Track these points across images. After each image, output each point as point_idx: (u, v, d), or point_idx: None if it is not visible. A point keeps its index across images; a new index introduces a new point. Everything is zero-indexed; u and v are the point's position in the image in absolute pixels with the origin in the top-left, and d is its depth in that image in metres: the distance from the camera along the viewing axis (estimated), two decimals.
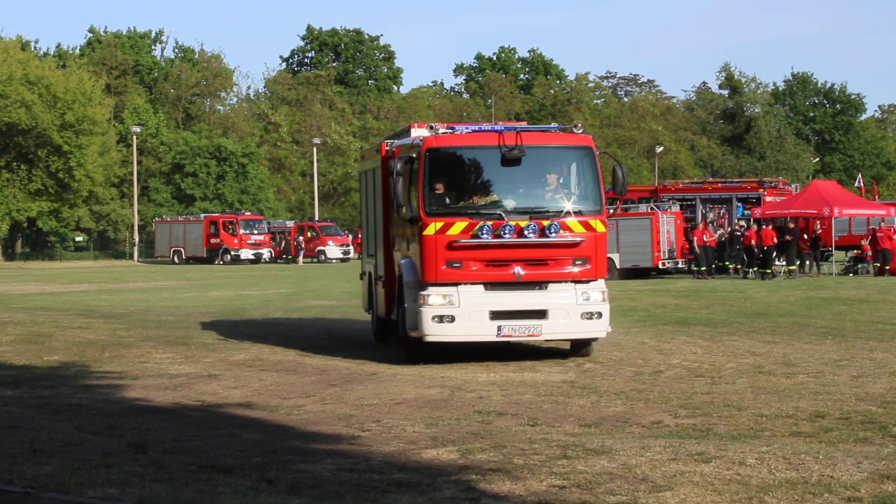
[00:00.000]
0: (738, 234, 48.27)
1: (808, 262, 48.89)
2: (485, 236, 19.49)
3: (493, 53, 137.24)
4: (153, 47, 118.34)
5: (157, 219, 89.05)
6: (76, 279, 55.86)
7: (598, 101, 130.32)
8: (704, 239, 47.92)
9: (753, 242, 46.01)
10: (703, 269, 47.54)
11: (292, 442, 12.57)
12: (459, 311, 19.53)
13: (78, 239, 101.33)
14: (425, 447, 12.04)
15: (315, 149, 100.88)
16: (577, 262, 19.91)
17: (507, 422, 14.10)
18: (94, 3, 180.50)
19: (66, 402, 15.93)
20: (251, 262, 78.91)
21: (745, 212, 50.89)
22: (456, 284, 19.65)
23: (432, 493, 9.86)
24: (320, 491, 9.92)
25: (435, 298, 19.56)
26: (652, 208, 50.59)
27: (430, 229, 19.59)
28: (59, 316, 29.27)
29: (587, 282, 19.99)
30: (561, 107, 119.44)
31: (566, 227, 19.79)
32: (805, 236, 48.13)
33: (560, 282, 19.95)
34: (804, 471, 10.48)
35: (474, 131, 20.73)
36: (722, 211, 52.55)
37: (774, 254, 46.09)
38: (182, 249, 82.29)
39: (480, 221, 19.56)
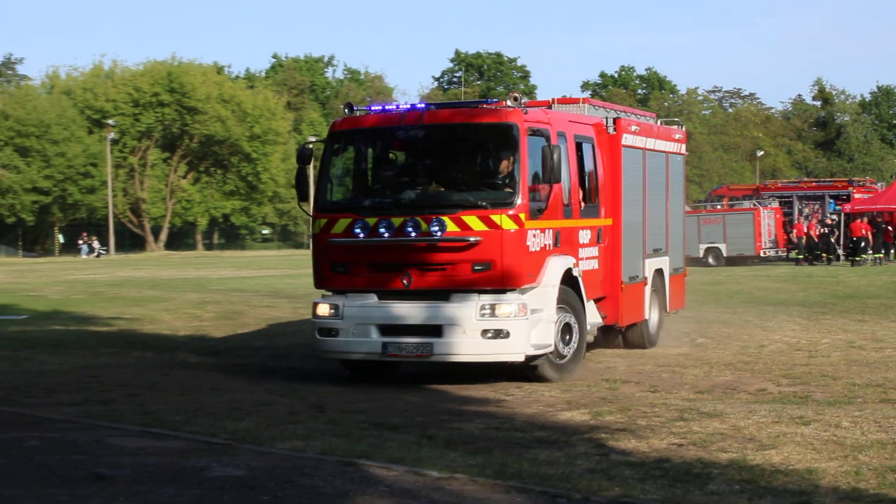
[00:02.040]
0: (829, 227, 48.05)
1: (892, 251, 48.03)
2: (360, 235, 14.31)
3: (615, 71, 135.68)
4: (326, 70, 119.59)
5: None
6: (263, 266, 56.70)
7: (706, 112, 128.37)
8: (805, 230, 47.98)
9: (862, 233, 45.54)
10: (801, 256, 47.58)
11: (448, 404, 12.62)
12: (343, 323, 14.44)
13: (264, 232, 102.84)
14: (561, 410, 12.01)
15: None
16: (476, 268, 13.91)
17: (631, 388, 13.99)
18: (278, 33, 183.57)
19: (257, 368, 16.21)
20: None
21: (836, 207, 50.27)
22: (344, 292, 14.66)
23: (568, 448, 9.84)
24: (472, 446, 9.95)
25: (322, 308, 14.65)
26: (754, 204, 50.98)
27: (316, 227, 14.85)
28: (250, 296, 29.69)
29: (500, 292, 14.01)
30: (674, 117, 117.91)
31: (462, 224, 13.86)
32: (889, 228, 47.33)
33: (463, 291, 14.00)
34: (893, 433, 10.25)
35: (381, 111, 15.06)
36: (816, 207, 51.94)
37: (863, 244, 45.50)
38: None
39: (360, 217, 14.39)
